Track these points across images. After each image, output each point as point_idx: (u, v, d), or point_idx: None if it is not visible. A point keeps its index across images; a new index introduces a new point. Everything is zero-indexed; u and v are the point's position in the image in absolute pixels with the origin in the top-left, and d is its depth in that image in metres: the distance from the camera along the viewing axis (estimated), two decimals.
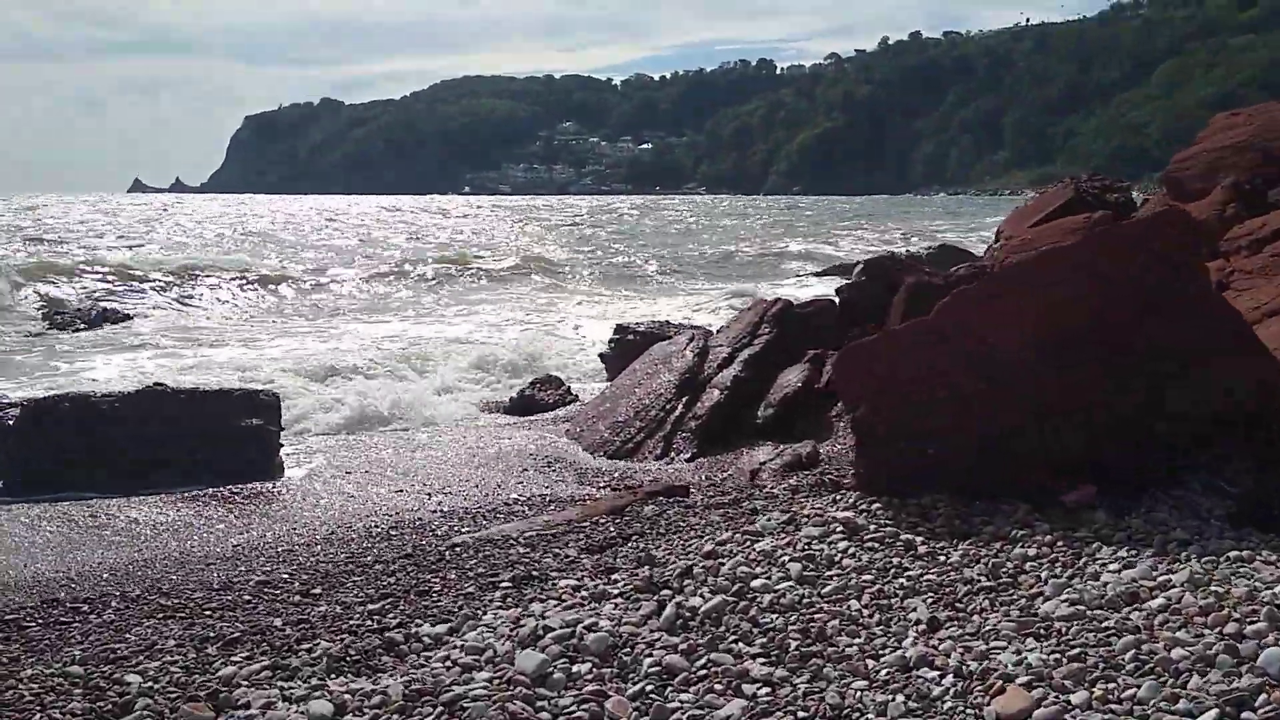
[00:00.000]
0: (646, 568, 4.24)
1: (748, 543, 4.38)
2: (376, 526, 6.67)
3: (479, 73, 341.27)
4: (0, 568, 6.08)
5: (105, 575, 5.70)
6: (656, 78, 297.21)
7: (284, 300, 23.16)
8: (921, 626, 3.66)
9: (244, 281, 24.67)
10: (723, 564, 4.09)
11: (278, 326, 19.02)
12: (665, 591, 3.88)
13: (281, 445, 8.96)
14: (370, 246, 39.29)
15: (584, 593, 3.95)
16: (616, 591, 3.84)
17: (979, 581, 4.08)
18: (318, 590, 4.47)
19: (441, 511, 7.07)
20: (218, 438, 8.65)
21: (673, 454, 9.02)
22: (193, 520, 7.24)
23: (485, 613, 3.95)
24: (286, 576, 4.73)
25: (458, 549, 5.15)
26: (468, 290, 25.26)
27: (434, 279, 26.97)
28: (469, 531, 6.45)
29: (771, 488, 6.18)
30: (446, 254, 31.44)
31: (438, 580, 4.56)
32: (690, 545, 4.59)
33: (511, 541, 5.30)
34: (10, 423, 8.91)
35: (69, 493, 8.08)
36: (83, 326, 18.75)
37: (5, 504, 7.82)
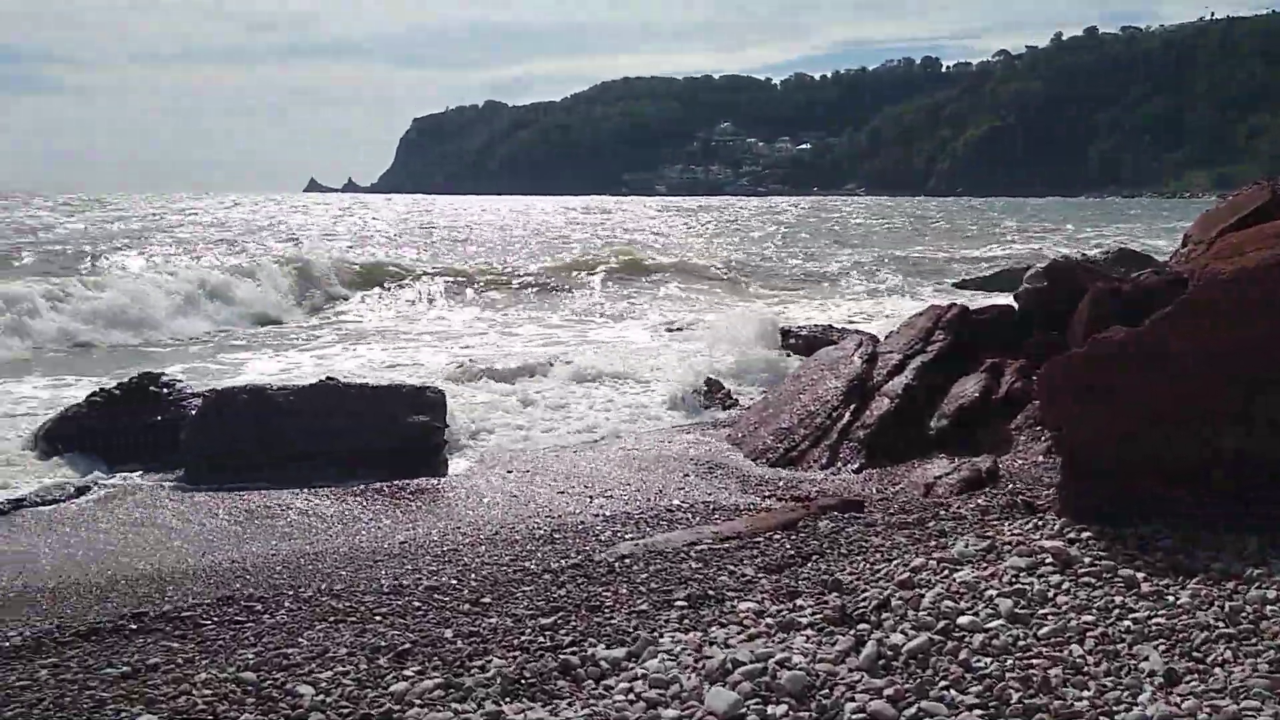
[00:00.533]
0: (835, 594, 3.90)
1: (945, 571, 3.99)
2: (539, 528, 6.53)
3: (638, 74, 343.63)
4: (180, 555, 6.22)
5: (278, 568, 5.73)
6: (816, 77, 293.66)
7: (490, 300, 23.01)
8: (1158, 679, 3.21)
9: (457, 281, 24.61)
10: (922, 595, 3.72)
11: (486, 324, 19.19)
12: (862, 626, 3.52)
13: (445, 442, 8.98)
14: (562, 245, 39.48)
15: (768, 620, 3.65)
16: (805, 621, 3.52)
17: (1216, 627, 3.60)
18: (487, 599, 4.31)
19: (604, 515, 6.89)
20: (385, 432, 8.75)
21: (839, 464, 8.64)
22: (360, 514, 7.27)
23: (662, 635, 3.70)
24: (455, 582, 4.61)
25: (627, 560, 4.93)
26: (640, 291, 24.85)
27: (617, 278, 26.54)
28: (633, 537, 6.24)
29: (957, 507, 5.74)
30: (626, 254, 30.82)
31: (609, 594, 4.34)
32: (879, 570, 4.24)
33: (682, 555, 5.05)
34: (193, 412, 9.22)
35: (244, 482, 8.30)
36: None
37: (187, 490, 8.08)
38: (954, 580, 3.86)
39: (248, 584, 5.37)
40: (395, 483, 8.16)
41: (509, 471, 8.46)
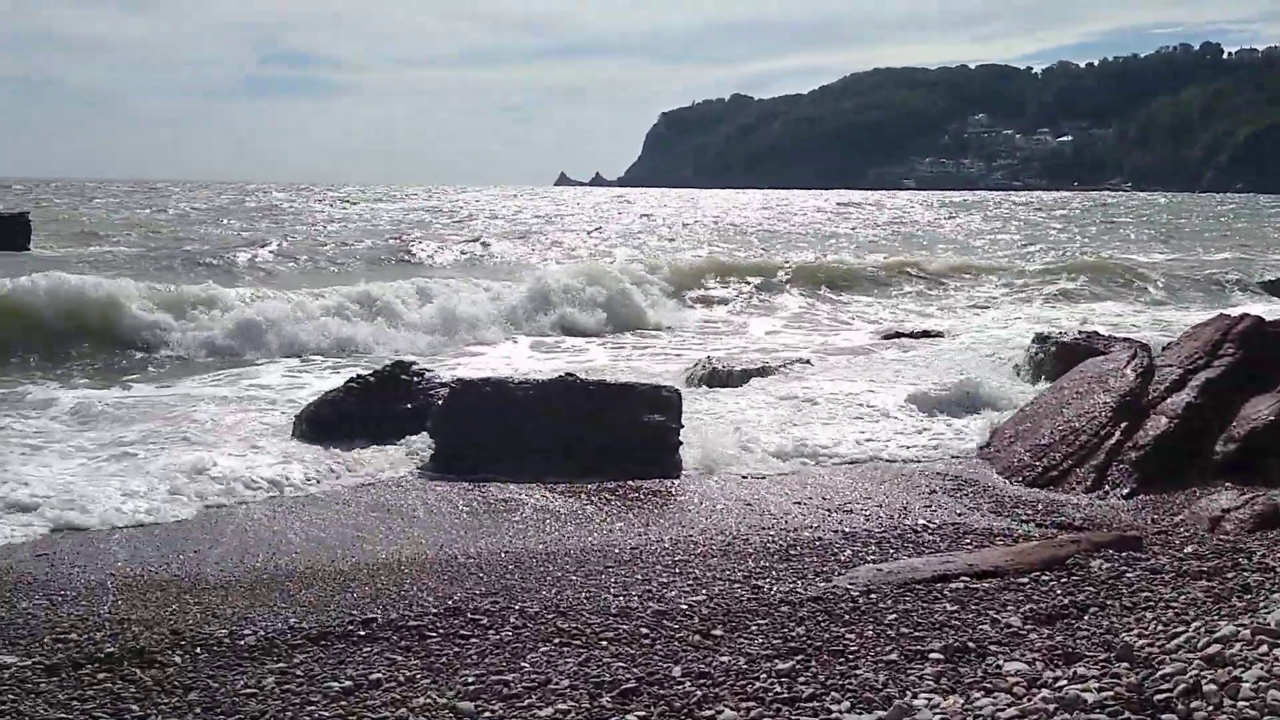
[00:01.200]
0: (1124, 665, 3.33)
1: (1264, 647, 3.33)
2: (774, 542, 6.19)
3: (888, 65, 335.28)
4: (418, 546, 6.27)
5: (510, 566, 5.66)
6: (1081, 64, 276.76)
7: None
8: None
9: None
10: (1239, 679, 3.08)
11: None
12: (1167, 717, 2.92)
13: (680, 443, 8.78)
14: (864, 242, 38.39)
15: (1044, 693, 3.12)
16: (1092, 700, 2.98)
17: None
18: (719, 631, 4.01)
19: (843, 532, 6.47)
20: (620, 431, 8.64)
21: (1106, 487, 7.86)
22: (593, 515, 7.15)
23: (916, 696, 3.26)
24: (685, 607, 4.34)
25: (873, 597, 4.49)
26: (904, 293, 23.62)
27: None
28: (874, 559, 5.80)
29: (1263, 556, 4.96)
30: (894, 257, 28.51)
31: (853, 636, 3.94)
32: (1175, 634, 3.61)
33: (935, 593, 4.57)
34: (439, 402, 9.44)
35: (483, 471, 8.40)
36: None
37: (431, 478, 8.24)
38: (1277, 661, 3.19)
39: (480, 583, 5.31)
40: (628, 483, 8.03)
41: (744, 477, 8.17)
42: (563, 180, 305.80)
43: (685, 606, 4.37)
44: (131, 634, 4.00)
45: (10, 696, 2.92)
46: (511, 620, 3.83)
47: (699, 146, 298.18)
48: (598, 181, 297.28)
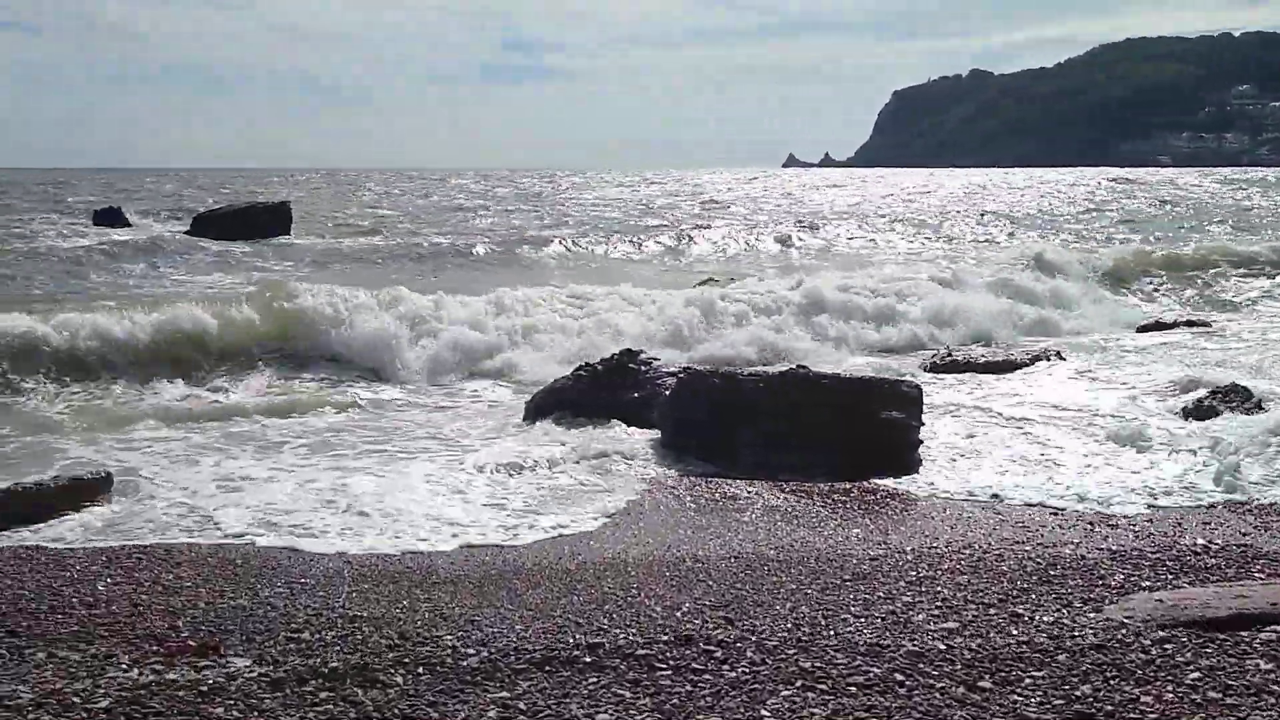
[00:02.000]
0: None
1: None
2: (1030, 558, 5.60)
3: (1141, 34, 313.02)
4: (644, 544, 6.06)
5: (741, 574, 5.35)
6: None
7: None
8: None
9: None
10: None
11: None
12: None
13: (920, 441, 8.23)
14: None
15: None
16: None
17: None
18: (986, 682, 3.51)
19: (1109, 550, 5.79)
20: (855, 427, 8.18)
21: None
22: (826, 518, 6.75)
23: None
24: (944, 649, 3.87)
25: (1169, 649, 3.87)
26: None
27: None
28: (1149, 585, 5.14)
29: None
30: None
31: (1150, 700, 3.36)
32: None
33: (1244, 647, 3.91)
34: (666, 392, 9.24)
35: (710, 465, 8.15)
36: None
37: (658, 468, 8.06)
38: None
39: (708, 592, 5.02)
40: (863, 483, 7.59)
41: (993, 481, 7.53)
42: (791, 162, 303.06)
43: (943, 647, 3.90)
44: (359, 638, 3.94)
45: (236, 712, 2.86)
46: (748, 654, 3.50)
47: (933, 125, 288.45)
48: (827, 162, 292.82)
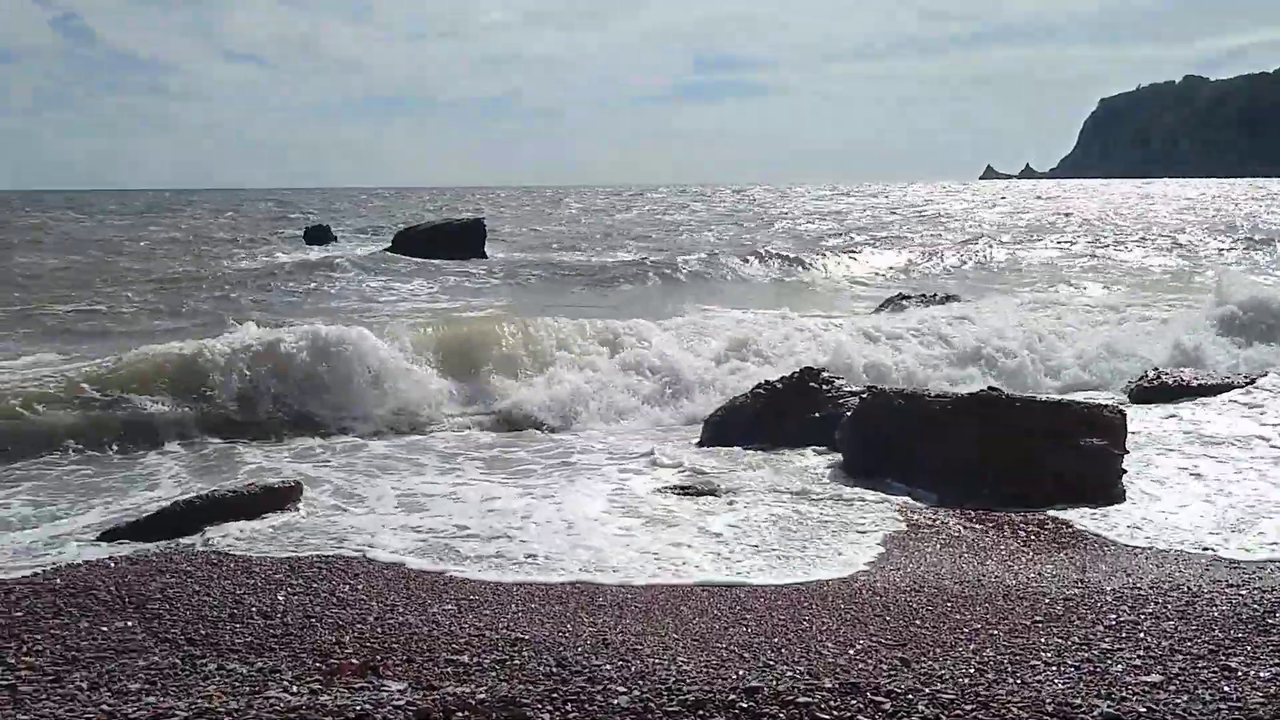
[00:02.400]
0: None
1: None
2: (1246, 606, 5.04)
3: None
4: (826, 565, 5.81)
5: (920, 609, 5.04)
6: None
7: None
8: None
9: None
10: None
11: None
12: None
13: (1124, 471, 7.64)
14: None
15: None
16: None
17: None
18: None
19: None
20: (1051, 454, 7.66)
21: None
22: (1016, 551, 6.33)
23: None
24: (1143, 711, 3.48)
25: None
26: None
27: None
28: None
29: None
30: None
31: None
32: None
33: None
34: (848, 412, 8.94)
35: (894, 486, 7.82)
36: None
37: (839, 488, 7.78)
38: None
39: (883, 628, 4.75)
40: (1059, 515, 7.11)
41: (1202, 516, 6.90)
42: (989, 174, 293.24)
43: (1143, 710, 3.51)
44: (517, 663, 3.88)
45: None
46: (920, 709, 3.21)
47: (1139, 134, 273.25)
48: (1028, 174, 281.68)
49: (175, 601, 4.83)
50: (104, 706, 3.00)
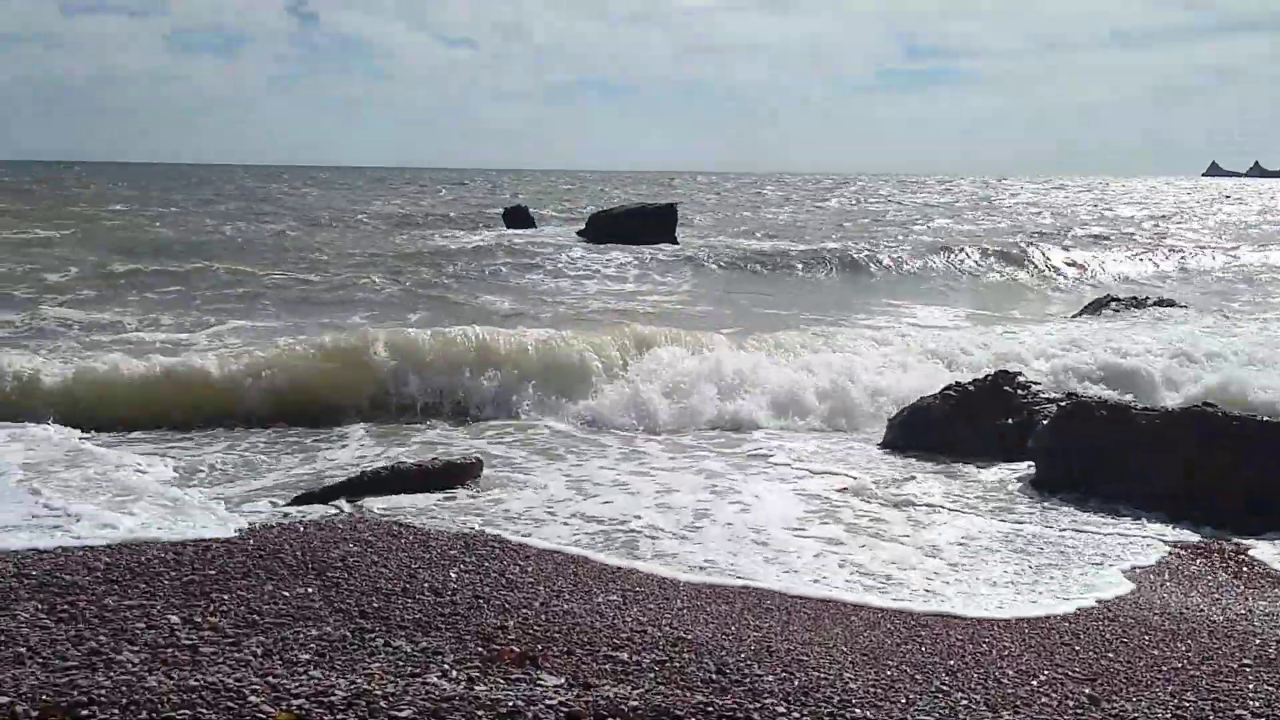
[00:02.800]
0: None
1: None
2: None
3: None
4: (1002, 602, 5.47)
5: (1114, 642, 4.67)
6: None
7: None
8: None
9: None
10: None
11: None
12: None
13: None
14: None
15: None
16: None
17: None
18: None
19: None
20: (1272, 477, 7.02)
21: None
22: (1228, 582, 5.90)
23: None
24: None
25: None
26: None
27: None
28: None
29: None
30: None
31: None
32: None
33: None
34: (1044, 421, 8.44)
35: (1089, 508, 7.35)
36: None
37: (1028, 508, 7.37)
38: None
39: (1072, 657, 4.42)
40: (1275, 544, 6.52)
41: None
42: (1214, 170, 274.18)
43: None
44: (676, 666, 3.78)
45: None
46: None
47: None
48: (1256, 172, 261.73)
49: (354, 571, 4.97)
50: (270, 678, 3.08)
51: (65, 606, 4.02)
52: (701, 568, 5.70)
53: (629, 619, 4.55)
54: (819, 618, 4.94)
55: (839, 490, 7.58)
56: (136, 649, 3.46)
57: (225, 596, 4.35)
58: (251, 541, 5.45)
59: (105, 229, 28.75)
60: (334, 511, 6.43)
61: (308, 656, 3.47)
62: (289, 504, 6.69)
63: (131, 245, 23.85)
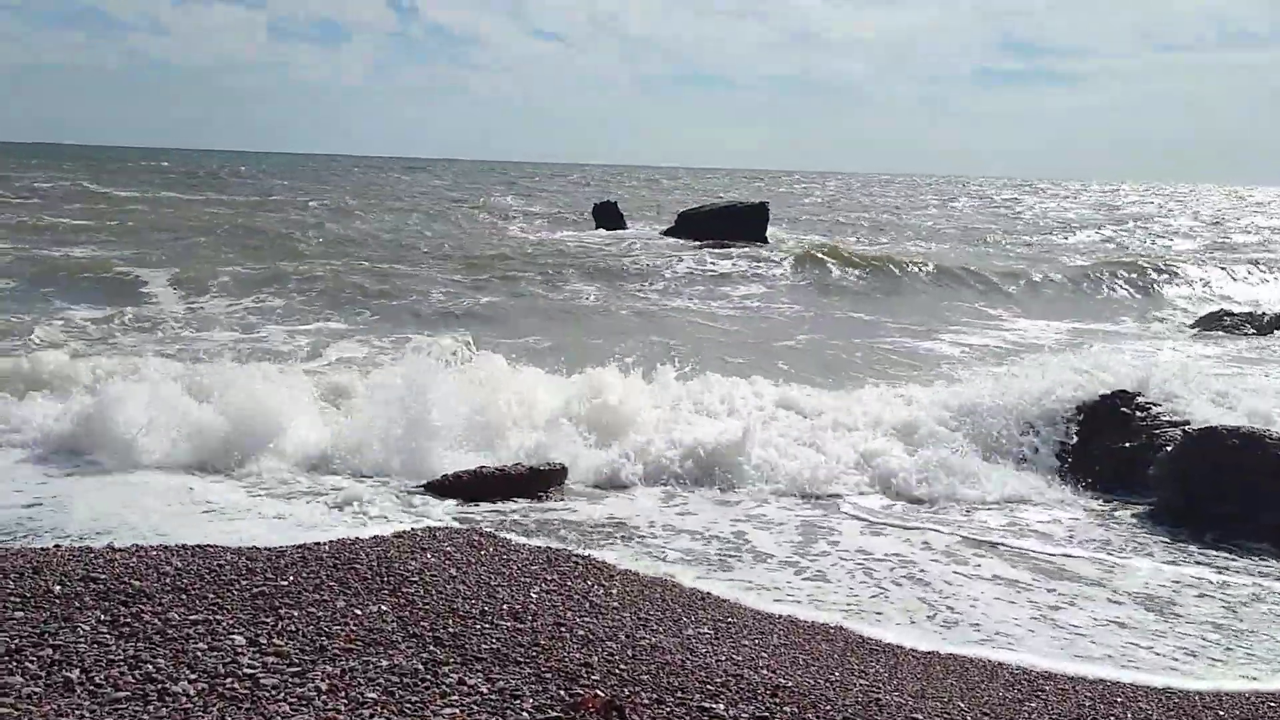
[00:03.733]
0: None
1: None
2: None
3: None
4: (1129, 650, 4.98)
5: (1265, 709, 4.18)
6: None
7: None
8: None
9: None
10: None
11: None
12: None
13: None
14: None
15: None
16: None
17: None
18: None
19: None
20: None
21: None
22: None
23: None
24: None
25: None
26: None
27: None
28: None
29: None
30: None
31: None
32: None
33: None
34: (1167, 448, 7.86)
35: (1219, 544, 6.78)
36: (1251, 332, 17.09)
37: (1149, 541, 6.85)
38: None
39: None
40: None
41: None
42: None
43: None
44: (765, 712, 3.41)
45: None
46: None
47: None
48: None
49: (431, 587, 4.69)
50: None
51: (128, 620, 3.79)
52: (807, 600, 5.31)
53: (722, 656, 4.18)
54: (928, 665, 4.52)
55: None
56: (195, 677, 3.20)
57: (295, 613, 4.08)
58: (325, 550, 5.21)
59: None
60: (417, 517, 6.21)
61: (375, 695, 3.17)
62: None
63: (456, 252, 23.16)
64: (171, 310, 14.46)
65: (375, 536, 5.67)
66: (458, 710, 3.12)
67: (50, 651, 3.34)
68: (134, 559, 4.88)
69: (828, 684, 3.96)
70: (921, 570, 6.02)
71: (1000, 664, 4.69)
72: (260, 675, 3.26)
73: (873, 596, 5.51)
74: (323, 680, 3.25)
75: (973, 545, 6.59)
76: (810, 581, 5.74)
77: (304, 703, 3.05)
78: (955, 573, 6.01)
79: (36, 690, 2.94)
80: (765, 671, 4.01)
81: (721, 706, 3.43)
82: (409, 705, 3.10)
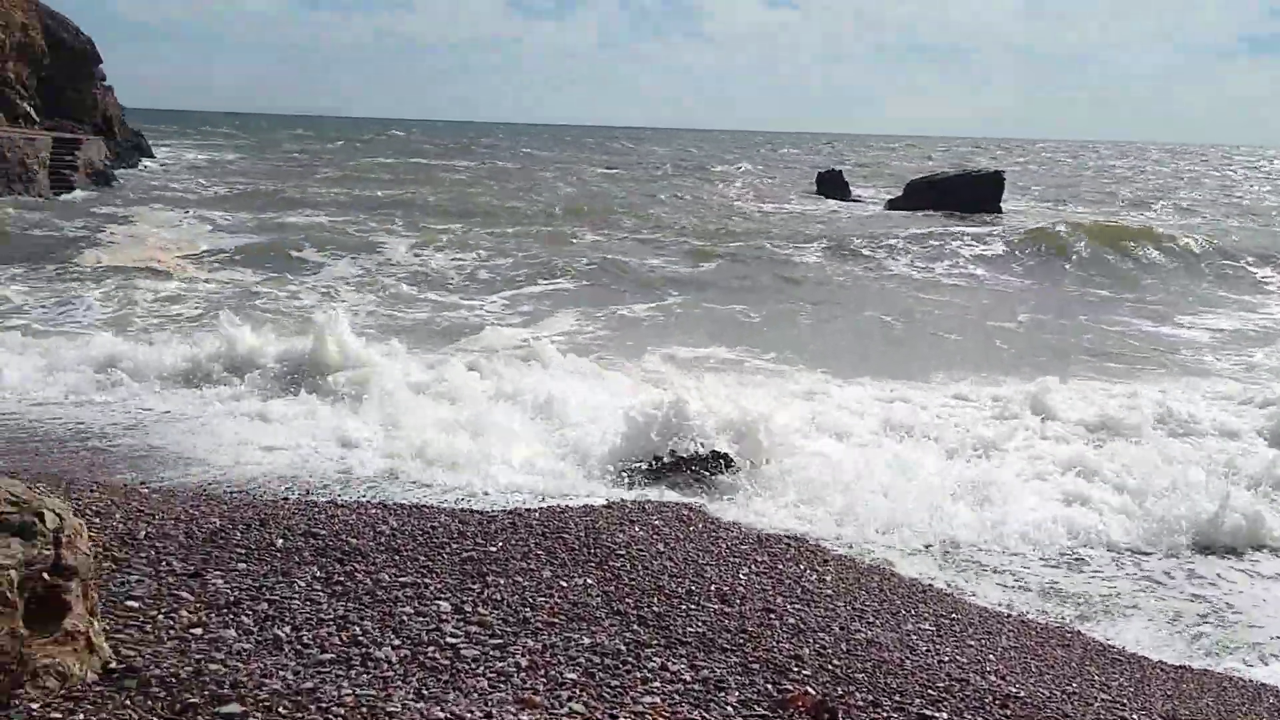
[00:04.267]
0: None
1: None
2: None
3: None
4: None
5: None
6: None
7: None
8: None
9: None
10: None
11: None
12: None
13: None
14: None
15: None
16: None
17: None
18: None
19: None
20: None
21: None
22: None
23: None
24: None
25: None
26: None
27: None
28: None
29: None
30: None
31: None
32: None
33: None
34: None
35: None
36: None
37: None
38: None
39: None
40: None
41: None
42: None
43: None
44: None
45: None
46: None
47: None
48: None
49: (637, 561, 4.57)
50: (524, 716, 2.68)
51: (341, 578, 3.84)
52: (1044, 609, 4.86)
53: (945, 657, 3.85)
54: (1180, 679, 4.04)
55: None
56: (399, 643, 3.17)
57: (501, 581, 4.04)
58: (536, 517, 5.18)
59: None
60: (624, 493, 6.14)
61: (574, 675, 3.05)
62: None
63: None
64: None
65: (585, 506, 5.62)
66: (659, 699, 2.95)
67: (266, 606, 3.40)
68: (353, 515, 5.01)
69: (1064, 696, 3.57)
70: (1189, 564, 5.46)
71: (1264, 685, 4.14)
72: (462, 645, 3.20)
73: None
74: (523, 656, 3.15)
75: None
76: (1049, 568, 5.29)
77: (502, 679, 2.96)
78: (1232, 568, 5.41)
79: (247, 647, 2.97)
80: (993, 678, 3.65)
81: (945, 716, 3.12)
82: (608, 690, 2.96)
